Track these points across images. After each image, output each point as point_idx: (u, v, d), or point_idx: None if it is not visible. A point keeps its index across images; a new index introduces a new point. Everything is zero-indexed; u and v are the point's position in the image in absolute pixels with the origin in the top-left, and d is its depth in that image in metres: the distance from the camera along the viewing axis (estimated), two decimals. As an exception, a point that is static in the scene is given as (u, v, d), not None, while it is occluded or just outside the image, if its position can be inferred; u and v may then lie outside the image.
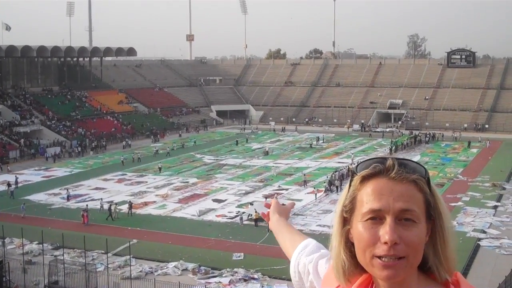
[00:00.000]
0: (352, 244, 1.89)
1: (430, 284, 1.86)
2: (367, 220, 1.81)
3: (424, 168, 1.86)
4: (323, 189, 50.39)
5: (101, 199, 47.17)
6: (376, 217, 1.80)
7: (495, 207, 44.86)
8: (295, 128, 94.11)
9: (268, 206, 2.79)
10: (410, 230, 1.78)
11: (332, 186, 50.77)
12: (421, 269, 1.87)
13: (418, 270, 1.85)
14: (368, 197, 1.82)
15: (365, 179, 1.85)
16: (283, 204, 2.79)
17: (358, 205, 1.85)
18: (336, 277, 1.97)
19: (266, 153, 70.88)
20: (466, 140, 78.00)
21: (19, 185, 53.84)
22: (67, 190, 50.52)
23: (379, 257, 1.78)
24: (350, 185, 1.90)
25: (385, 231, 1.77)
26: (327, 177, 53.05)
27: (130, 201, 45.44)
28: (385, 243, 1.76)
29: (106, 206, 43.93)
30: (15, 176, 56.11)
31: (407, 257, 1.77)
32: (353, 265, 1.91)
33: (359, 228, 1.83)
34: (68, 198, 48.62)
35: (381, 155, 61.01)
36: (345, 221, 1.91)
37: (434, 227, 1.85)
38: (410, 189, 1.81)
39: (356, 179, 1.88)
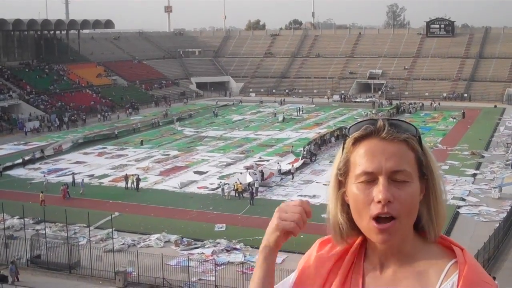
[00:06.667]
0: (349, 206, 1.91)
1: (423, 243, 1.89)
2: (361, 181, 1.83)
3: (415, 127, 1.88)
4: (300, 157, 50.50)
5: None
6: (370, 178, 1.81)
7: (474, 175, 45.41)
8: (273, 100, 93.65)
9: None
10: (403, 189, 1.80)
11: (312, 156, 50.91)
12: (414, 228, 1.89)
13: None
14: (360, 159, 1.84)
15: (357, 140, 1.87)
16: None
17: (352, 167, 1.87)
18: (334, 238, 2.00)
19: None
20: (444, 109, 79.44)
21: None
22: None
23: (375, 219, 1.80)
24: (343, 148, 1.92)
25: (378, 190, 1.79)
26: (304, 147, 53.07)
27: (137, 176, 44.77)
28: (379, 201, 1.78)
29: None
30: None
31: (400, 217, 1.79)
32: (349, 226, 1.94)
33: (354, 190, 1.85)
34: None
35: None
36: (340, 184, 1.93)
37: (427, 185, 1.87)
38: (402, 148, 1.83)
39: (349, 141, 1.89)
